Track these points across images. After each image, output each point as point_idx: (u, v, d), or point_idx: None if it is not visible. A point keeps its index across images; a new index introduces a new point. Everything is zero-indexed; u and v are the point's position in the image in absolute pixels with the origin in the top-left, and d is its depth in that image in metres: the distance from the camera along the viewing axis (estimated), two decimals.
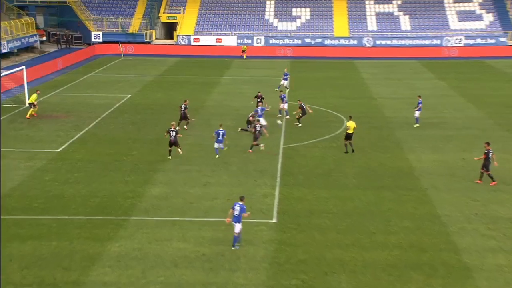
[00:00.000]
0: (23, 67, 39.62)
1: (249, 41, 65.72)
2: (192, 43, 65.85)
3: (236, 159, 27.36)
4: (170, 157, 27.26)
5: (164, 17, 69.95)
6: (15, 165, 26.06)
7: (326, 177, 25.10)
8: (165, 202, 22.43)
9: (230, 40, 65.77)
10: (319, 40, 65.39)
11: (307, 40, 65.46)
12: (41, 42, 65.20)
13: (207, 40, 65.29)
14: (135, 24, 68.02)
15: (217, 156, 27.46)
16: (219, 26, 68.19)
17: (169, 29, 70.53)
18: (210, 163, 26.67)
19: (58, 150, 28.54)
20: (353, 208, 22.05)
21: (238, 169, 25.96)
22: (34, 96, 35.55)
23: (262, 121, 29.99)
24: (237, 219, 18.93)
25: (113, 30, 67.13)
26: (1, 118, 33.98)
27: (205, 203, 22.26)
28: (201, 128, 32.49)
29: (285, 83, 43.02)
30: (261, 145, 28.19)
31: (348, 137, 28.16)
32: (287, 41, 65.84)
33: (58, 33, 66.35)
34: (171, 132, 27.80)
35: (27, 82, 39.41)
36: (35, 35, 62.43)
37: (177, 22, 68.82)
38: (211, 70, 53.66)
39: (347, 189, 23.82)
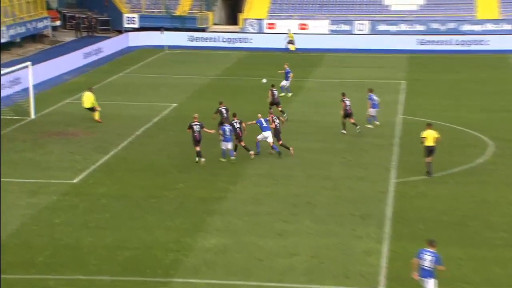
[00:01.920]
0: (28, 63, 41.07)
1: (348, 27, 65.73)
2: (265, 30, 66.68)
3: (324, 197, 27.25)
4: (198, 160, 30.20)
5: None
6: (13, 202, 26.66)
7: (460, 228, 24.59)
8: (222, 258, 22.45)
9: (319, 26, 65.98)
10: (453, 25, 64.54)
11: (434, 25, 64.78)
12: (54, 28, 67.61)
13: (286, 26, 65.67)
14: (185, 3, 69.49)
15: (223, 160, 28.79)
16: (303, 7, 68.65)
17: (233, 10, 71.62)
18: (287, 203, 26.63)
19: (74, 181, 29.10)
20: (505, 278, 21.27)
21: (327, 212, 25.84)
22: (89, 95, 37.43)
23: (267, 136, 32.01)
24: (429, 273, 19.02)
25: (153, 12, 68.86)
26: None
27: (281, 261, 22.13)
28: (274, 152, 32.71)
29: (287, 83, 43.88)
30: (251, 152, 30.95)
31: (430, 151, 28.87)
32: (403, 27, 65.42)
33: (77, 15, 68.66)
34: (194, 126, 29.98)
35: (33, 85, 40.57)
36: (46, 18, 64.84)
37: (243, 0, 69.73)
38: (291, 69, 53.41)
39: (494, 248, 23.19)
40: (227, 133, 30.85)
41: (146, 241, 23.44)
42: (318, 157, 32.12)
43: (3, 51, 57.06)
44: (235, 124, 31.46)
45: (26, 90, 41.07)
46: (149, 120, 38.33)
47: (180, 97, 43.42)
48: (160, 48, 62.64)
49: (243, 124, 31.75)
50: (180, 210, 26.00)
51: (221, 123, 33.07)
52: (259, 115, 32.96)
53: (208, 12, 68.28)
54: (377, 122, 37.31)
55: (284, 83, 44.33)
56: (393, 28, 65.32)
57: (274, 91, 38.81)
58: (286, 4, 69.14)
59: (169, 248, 22.99)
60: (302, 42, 62.91)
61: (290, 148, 32.24)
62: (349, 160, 31.81)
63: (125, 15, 68.02)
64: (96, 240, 23.50)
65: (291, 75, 44.38)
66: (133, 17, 67.95)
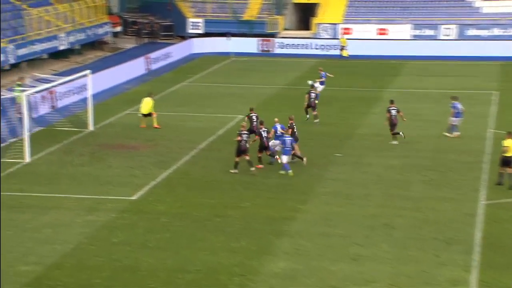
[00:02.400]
0: (88, 71, 41.89)
1: (432, 32, 65.13)
2: (339, 35, 66.37)
3: (404, 219, 27.07)
4: (234, 171, 31.50)
5: None
6: (70, 219, 27.16)
7: None
8: (291, 283, 22.41)
9: (400, 31, 65.54)
10: None
11: None
12: (114, 34, 68.79)
13: (364, 31, 66.01)
14: (253, 7, 69.88)
15: (289, 173, 30.61)
16: (383, 10, 68.33)
17: (305, 14, 71.75)
18: (362, 224, 26.52)
19: (133, 197, 29.49)
20: None
21: (408, 236, 25.64)
22: (148, 101, 38.88)
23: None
24: None
25: (219, 17, 69.42)
26: (54, 148, 35.95)
27: None
28: (348, 168, 32.71)
29: (320, 87, 44.82)
30: (252, 168, 31.71)
31: (506, 162, 29.19)
32: (496, 31, 64.44)
33: (139, 21, 69.71)
34: (243, 135, 31.12)
35: (92, 94, 41.35)
36: (106, 24, 66.04)
37: (317, 4, 69.82)
38: (369, 78, 53.92)
39: None
40: (288, 145, 31.77)
41: (209, 263, 23.53)
42: (397, 174, 31.96)
43: (61, 58, 58.43)
44: (262, 133, 32.44)
45: (84, 100, 41.89)
46: (213, 132, 38.67)
47: (246, 108, 43.58)
48: (226, 55, 63.17)
49: (270, 134, 32.73)
50: (246, 230, 26.05)
51: (251, 131, 33.74)
52: (276, 119, 33.74)
53: (278, 17, 68.54)
54: (457, 133, 36.99)
55: (318, 86, 44.68)
56: (484, 32, 64.47)
57: (312, 94, 40.09)
58: (364, 7, 68.96)
59: (234, 271, 23.05)
60: (380, 49, 62.87)
61: (304, 159, 32.64)
62: (433, 178, 31.52)
63: (190, 20, 68.74)
64: (156, 261, 23.69)
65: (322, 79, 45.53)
66: (198, 22, 68.61)
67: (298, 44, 65.58)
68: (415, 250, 24.47)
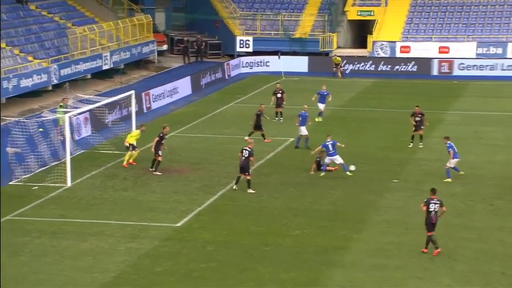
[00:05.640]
0: (132, 91, 42.14)
1: (499, 50, 64.37)
2: (398, 54, 66.28)
3: (468, 250, 26.77)
4: (235, 187, 32.55)
5: (353, 13, 71.16)
6: (111, 246, 27.21)
7: None
8: None
9: (464, 50, 64.84)
10: None
11: None
12: (160, 53, 69.29)
13: (424, 49, 65.78)
14: (306, 24, 69.88)
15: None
16: (445, 27, 67.77)
17: (360, 31, 71.53)
18: (422, 256, 26.13)
19: (178, 224, 29.50)
20: None
21: (472, 269, 25.31)
22: (136, 133, 37.58)
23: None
24: None
25: (270, 35, 69.50)
26: (96, 172, 36.23)
27: None
28: (405, 195, 32.54)
29: (322, 107, 46.45)
30: (249, 190, 32.54)
31: None
32: None
33: (185, 39, 70.11)
34: (244, 151, 32.33)
35: (136, 115, 41.73)
36: (152, 42, 66.51)
37: (373, 21, 69.53)
38: (430, 98, 53.43)
39: None
40: (330, 149, 34.40)
41: None
42: (460, 202, 31.55)
43: (104, 78, 58.94)
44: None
45: (127, 121, 42.11)
46: (262, 156, 38.43)
47: (297, 131, 43.43)
48: (276, 74, 63.17)
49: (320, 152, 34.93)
50: (296, 260, 25.87)
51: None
52: (328, 136, 34.83)
53: (332, 34, 68.39)
54: None
55: (320, 107, 45.61)
56: None
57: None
58: (424, 24, 68.48)
59: None
60: (442, 68, 62.37)
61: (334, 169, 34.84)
62: (499, 207, 31.13)
63: (238, 38, 68.94)
64: None
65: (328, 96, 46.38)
66: (247, 40, 68.78)
67: (353, 63, 65.35)
68: (480, 285, 24.10)
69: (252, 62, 66.08)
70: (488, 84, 58.83)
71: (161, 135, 35.89)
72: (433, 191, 26.30)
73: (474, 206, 31.39)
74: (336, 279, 24.44)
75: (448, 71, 63.22)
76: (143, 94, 49.73)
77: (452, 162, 34.67)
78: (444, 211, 26.27)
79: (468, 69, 62.83)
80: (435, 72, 63.18)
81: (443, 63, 63.68)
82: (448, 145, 34.81)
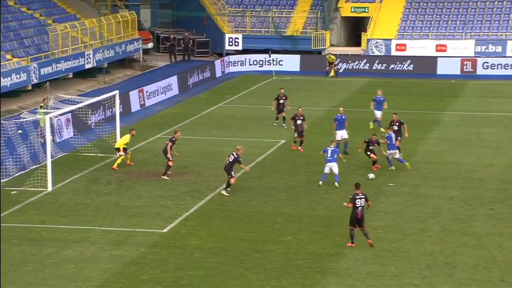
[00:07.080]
0: (116, 91, 41.83)
1: (498, 48, 64.47)
2: (393, 52, 66.52)
3: (467, 257, 26.77)
4: (225, 193, 32.89)
5: (346, 9, 71.19)
6: (95, 254, 26.98)
7: None
8: None
9: (462, 48, 64.94)
10: None
11: None
12: (145, 51, 69.03)
13: (421, 47, 65.94)
14: (297, 21, 69.86)
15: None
16: (442, 24, 67.82)
17: (354, 29, 71.60)
18: (419, 263, 26.17)
19: (164, 230, 29.34)
20: None
21: (471, 276, 25.30)
22: (127, 138, 37.32)
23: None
24: None
25: (260, 32, 69.41)
26: (78, 175, 35.90)
27: None
28: (402, 199, 32.60)
29: (379, 114, 44.28)
30: (223, 192, 33.19)
31: None
32: None
33: (172, 36, 69.88)
34: (230, 156, 32.98)
35: (120, 116, 41.52)
36: (137, 40, 66.19)
37: (367, 18, 69.49)
38: (426, 99, 53.64)
39: None
40: (329, 155, 33.58)
41: None
42: (458, 207, 31.53)
43: (87, 78, 58.54)
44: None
45: (111, 122, 41.86)
46: (252, 159, 38.30)
47: (290, 133, 43.20)
48: (266, 74, 63.03)
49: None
50: (288, 268, 25.78)
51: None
52: (332, 142, 35.13)
53: (325, 32, 68.16)
54: None
55: (377, 114, 44.33)
56: None
57: None
58: (420, 21, 68.48)
59: None
60: (439, 67, 62.65)
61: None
62: (499, 212, 31.11)
63: (227, 36, 68.79)
64: None
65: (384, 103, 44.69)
66: (236, 38, 68.65)
67: (346, 62, 65.30)
68: None
69: (242, 61, 65.94)
70: (487, 84, 58.89)
71: (173, 139, 35.77)
72: (357, 185, 27.34)
73: (473, 210, 31.38)
74: None
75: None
76: (130, 93, 49.46)
77: (388, 153, 36.30)
78: (369, 204, 27.59)
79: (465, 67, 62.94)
80: (439, 71, 63.05)
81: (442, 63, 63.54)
82: (387, 136, 36.34)
